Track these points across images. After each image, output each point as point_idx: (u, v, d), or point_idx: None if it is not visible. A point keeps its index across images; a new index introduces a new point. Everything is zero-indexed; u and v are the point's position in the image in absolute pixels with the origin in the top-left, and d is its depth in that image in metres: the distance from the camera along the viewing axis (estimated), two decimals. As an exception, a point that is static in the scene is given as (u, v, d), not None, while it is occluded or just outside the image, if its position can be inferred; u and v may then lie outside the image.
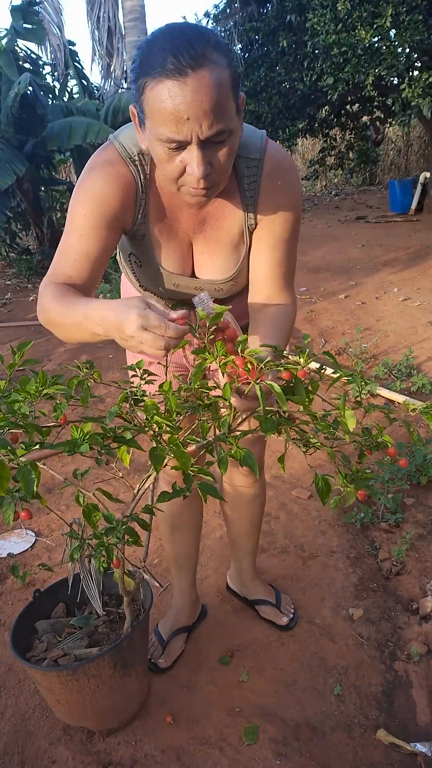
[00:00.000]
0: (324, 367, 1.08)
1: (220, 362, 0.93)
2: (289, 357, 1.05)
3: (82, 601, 1.52)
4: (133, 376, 1.05)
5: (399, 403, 3.04)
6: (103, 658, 1.27)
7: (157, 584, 1.26)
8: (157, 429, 0.97)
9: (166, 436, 0.96)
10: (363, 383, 0.98)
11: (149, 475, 1.14)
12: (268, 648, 1.69)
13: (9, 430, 0.91)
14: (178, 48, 0.86)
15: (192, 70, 0.86)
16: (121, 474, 1.21)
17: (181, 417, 1.00)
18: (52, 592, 1.52)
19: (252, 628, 1.75)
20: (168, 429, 0.94)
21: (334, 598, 1.85)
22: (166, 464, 0.91)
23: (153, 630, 1.69)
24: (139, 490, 1.16)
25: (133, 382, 1.05)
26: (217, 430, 1.01)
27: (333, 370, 1.00)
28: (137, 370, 1.05)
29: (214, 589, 1.91)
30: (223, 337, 0.95)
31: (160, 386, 1.11)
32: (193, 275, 1.23)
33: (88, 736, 1.44)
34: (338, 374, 0.99)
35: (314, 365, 1.10)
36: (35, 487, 0.88)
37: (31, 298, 5.71)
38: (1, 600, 1.91)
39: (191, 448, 0.97)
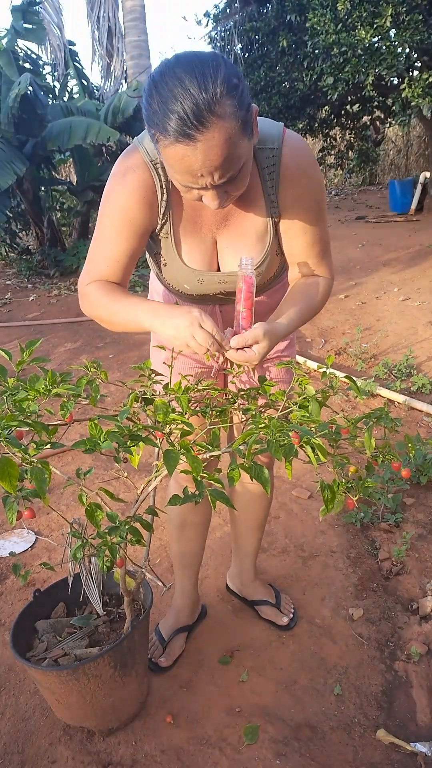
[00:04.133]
0: (331, 372, 1.10)
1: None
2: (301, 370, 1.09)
3: (83, 601, 1.52)
4: (149, 375, 1.09)
5: (399, 403, 3.05)
6: (103, 658, 1.27)
7: (160, 584, 1.27)
8: (170, 429, 0.98)
9: (176, 435, 0.97)
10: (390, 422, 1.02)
11: (153, 477, 1.14)
12: (268, 648, 1.69)
13: (16, 428, 0.92)
14: (183, 110, 0.88)
15: (200, 134, 0.89)
16: (126, 474, 1.21)
17: (188, 415, 1.01)
18: (52, 592, 1.52)
19: (252, 628, 1.75)
20: (182, 428, 0.95)
21: (334, 598, 1.85)
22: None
23: (153, 629, 1.69)
24: (142, 491, 1.16)
25: (143, 382, 1.08)
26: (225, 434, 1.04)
27: (343, 375, 1.04)
28: (145, 369, 1.07)
29: (214, 589, 1.91)
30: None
31: (165, 386, 1.12)
32: (219, 271, 1.24)
33: (88, 736, 1.44)
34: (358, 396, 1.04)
35: (313, 364, 1.13)
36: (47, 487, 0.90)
37: (31, 298, 5.71)
38: (1, 600, 1.91)
39: (203, 455, 0.98)
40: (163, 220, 1.17)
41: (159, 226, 1.18)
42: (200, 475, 0.89)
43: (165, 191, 1.14)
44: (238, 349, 1.10)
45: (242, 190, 1.05)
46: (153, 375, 1.15)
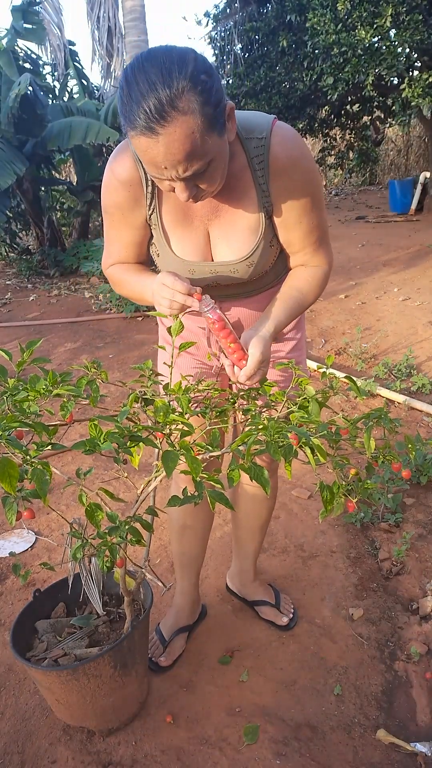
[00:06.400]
0: (331, 371, 1.11)
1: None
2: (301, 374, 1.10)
3: (83, 601, 1.52)
4: (149, 375, 1.10)
5: (399, 403, 3.05)
6: (103, 658, 1.27)
7: (160, 584, 1.27)
8: (170, 429, 0.98)
9: (176, 435, 0.97)
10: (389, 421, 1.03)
11: (153, 477, 1.14)
12: (268, 648, 1.69)
13: (16, 428, 0.92)
14: (146, 103, 0.90)
15: (161, 127, 0.91)
16: (126, 474, 1.22)
17: (188, 416, 1.01)
18: (52, 592, 1.52)
19: (252, 628, 1.75)
20: (182, 429, 0.95)
21: (334, 598, 1.85)
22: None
23: (153, 629, 1.69)
24: (142, 491, 1.16)
25: (143, 383, 1.09)
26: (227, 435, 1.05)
27: (344, 375, 1.05)
28: (145, 370, 1.07)
29: (214, 589, 1.91)
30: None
31: (165, 386, 1.12)
32: (212, 260, 1.25)
33: (88, 736, 1.44)
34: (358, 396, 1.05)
35: (313, 364, 1.14)
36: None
37: (31, 298, 5.71)
38: (1, 600, 1.91)
39: (202, 456, 0.98)
40: (150, 212, 1.19)
41: (149, 217, 1.20)
42: (200, 475, 0.89)
43: (150, 183, 1.15)
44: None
45: (216, 185, 1.06)
46: (153, 375, 1.15)
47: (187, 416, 1.01)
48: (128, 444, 0.94)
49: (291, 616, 1.76)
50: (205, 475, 0.91)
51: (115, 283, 1.33)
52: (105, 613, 1.47)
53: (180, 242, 1.21)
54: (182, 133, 0.92)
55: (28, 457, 0.88)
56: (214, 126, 0.97)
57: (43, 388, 0.99)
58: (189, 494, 0.93)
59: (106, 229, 1.28)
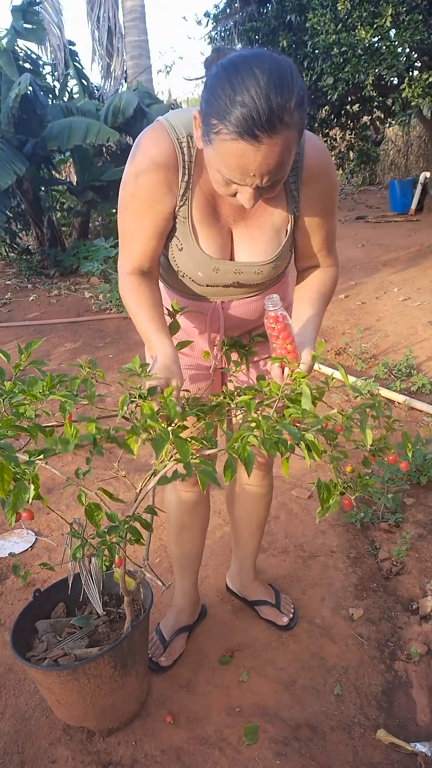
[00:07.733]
0: (332, 373, 1.10)
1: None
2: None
3: (83, 601, 1.52)
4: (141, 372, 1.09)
5: (399, 403, 3.05)
6: (103, 658, 1.27)
7: (160, 583, 1.27)
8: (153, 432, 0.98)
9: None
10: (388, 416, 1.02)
11: (151, 474, 1.14)
12: (268, 648, 1.69)
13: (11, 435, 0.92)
14: (259, 111, 0.88)
15: (267, 137, 0.90)
16: (125, 473, 1.21)
17: (177, 422, 1.00)
18: (52, 592, 1.52)
19: (252, 628, 1.75)
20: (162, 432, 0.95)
21: (334, 598, 1.85)
22: (181, 477, 0.94)
23: (153, 629, 1.69)
24: (141, 490, 1.16)
25: (133, 383, 1.08)
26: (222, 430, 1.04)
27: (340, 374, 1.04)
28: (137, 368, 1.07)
29: (214, 589, 1.91)
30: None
31: (151, 390, 1.12)
32: (232, 260, 1.24)
33: (88, 736, 1.44)
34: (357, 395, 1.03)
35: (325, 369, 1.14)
36: (30, 499, 0.90)
37: (31, 298, 5.71)
38: (1, 600, 1.91)
39: (204, 452, 0.98)
40: (182, 203, 1.15)
41: (178, 207, 1.16)
42: (190, 457, 0.90)
43: (186, 172, 1.12)
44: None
45: (275, 194, 1.06)
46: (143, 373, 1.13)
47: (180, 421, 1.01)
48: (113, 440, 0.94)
49: (291, 616, 1.76)
50: (196, 459, 0.91)
51: (123, 295, 1.25)
52: (105, 613, 1.47)
53: (206, 239, 1.19)
54: (283, 146, 0.92)
55: (16, 467, 0.88)
56: (300, 140, 0.98)
57: (40, 392, 0.99)
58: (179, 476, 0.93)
59: (126, 224, 1.19)
